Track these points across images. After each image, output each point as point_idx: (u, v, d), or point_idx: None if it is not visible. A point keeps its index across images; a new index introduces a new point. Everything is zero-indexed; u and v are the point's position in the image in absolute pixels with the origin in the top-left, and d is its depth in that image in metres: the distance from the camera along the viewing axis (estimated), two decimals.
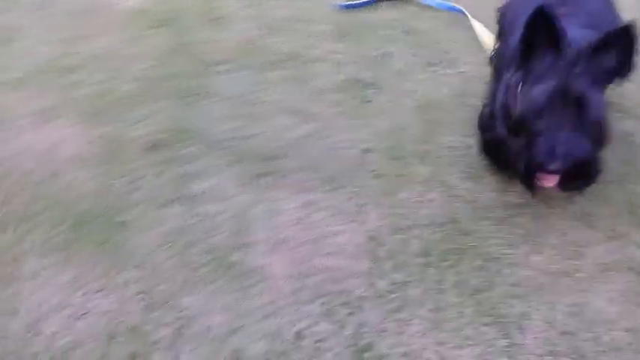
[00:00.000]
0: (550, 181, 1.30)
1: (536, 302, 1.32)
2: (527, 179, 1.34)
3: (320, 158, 1.70)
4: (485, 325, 1.27)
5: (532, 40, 1.29)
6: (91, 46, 2.10)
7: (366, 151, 1.73)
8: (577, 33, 1.30)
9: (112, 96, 1.89)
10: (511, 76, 1.40)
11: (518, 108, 1.33)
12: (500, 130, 1.44)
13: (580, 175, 1.30)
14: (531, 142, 1.26)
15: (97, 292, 1.33)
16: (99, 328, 1.26)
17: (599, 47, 1.24)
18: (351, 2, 2.38)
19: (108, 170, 1.64)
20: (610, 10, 1.64)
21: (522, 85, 1.34)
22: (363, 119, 1.86)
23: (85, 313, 1.29)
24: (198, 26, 2.22)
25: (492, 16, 1.88)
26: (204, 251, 1.43)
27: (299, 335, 1.25)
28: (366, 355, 1.22)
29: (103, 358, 1.21)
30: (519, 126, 1.31)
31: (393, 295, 1.33)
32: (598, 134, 1.28)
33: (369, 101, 1.94)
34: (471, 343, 1.24)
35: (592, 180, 1.33)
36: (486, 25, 2.07)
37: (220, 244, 1.45)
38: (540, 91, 1.25)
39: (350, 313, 1.29)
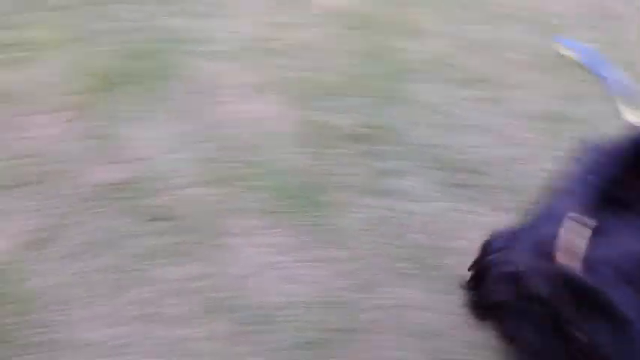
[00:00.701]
0: None
1: None
2: None
3: (519, 182, 1.66)
4: None
5: None
6: (295, 35, 2.20)
7: None
8: None
9: (315, 84, 1.97)
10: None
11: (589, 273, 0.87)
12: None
13: None
14: (618, 329, 0.83)
15: (305, 261, 1.38)
16: (306, 296, 1.30)
17: None
18: (575, 45, 2.28)
19: (311, 152, 1.70)
20: None
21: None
22: (558, 152, 1.80)
23: (293, 279, 1.33)
24: (393, 34, 2.26)
25: None
26: (403, 246, 1.44)
27: None
28: None
29: (306, 326, 1.24)
30: (592, 302, 0.85)
31: None
32: None
33: (564, 136, 1.87)
34: None
35: None
36: None
37: (419, 243, 1.45)
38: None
39: None
